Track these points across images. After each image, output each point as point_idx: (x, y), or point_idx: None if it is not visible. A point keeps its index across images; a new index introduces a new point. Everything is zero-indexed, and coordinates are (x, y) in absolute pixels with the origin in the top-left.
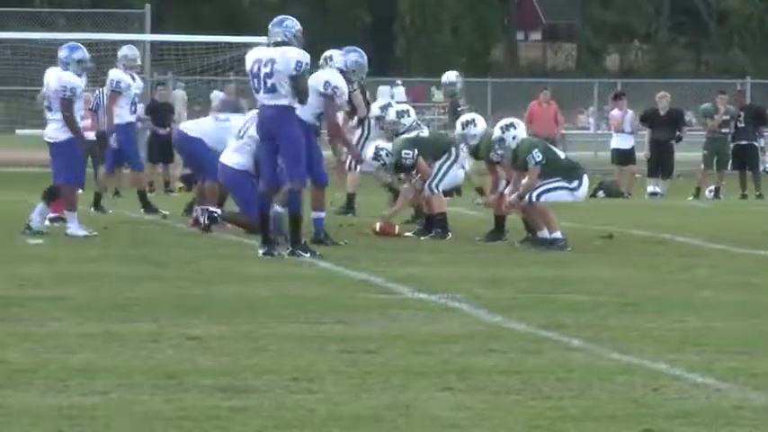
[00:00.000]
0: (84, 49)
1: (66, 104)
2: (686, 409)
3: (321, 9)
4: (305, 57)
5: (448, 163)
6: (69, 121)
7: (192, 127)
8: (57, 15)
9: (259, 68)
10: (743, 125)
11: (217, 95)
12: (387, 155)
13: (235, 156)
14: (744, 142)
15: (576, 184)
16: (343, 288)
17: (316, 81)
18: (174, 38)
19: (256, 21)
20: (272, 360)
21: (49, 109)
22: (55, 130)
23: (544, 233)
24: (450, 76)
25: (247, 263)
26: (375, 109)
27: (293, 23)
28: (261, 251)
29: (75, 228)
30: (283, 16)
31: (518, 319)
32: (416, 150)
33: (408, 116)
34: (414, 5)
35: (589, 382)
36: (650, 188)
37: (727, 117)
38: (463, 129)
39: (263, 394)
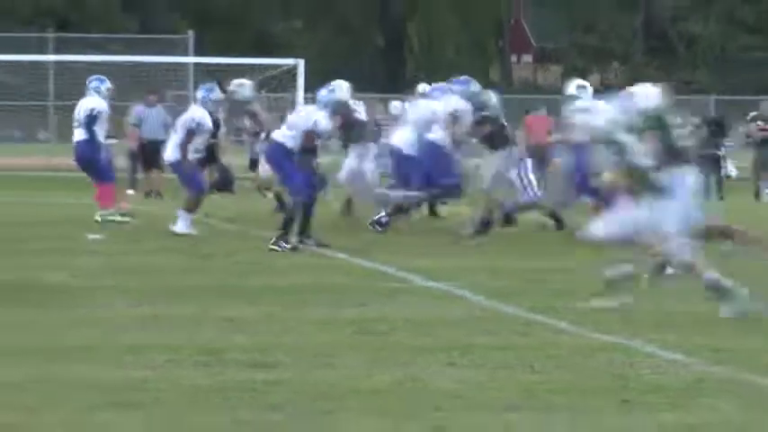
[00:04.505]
0: (218, 90)
1: (189, 134)
2: (659, 382)
3: (342, 33)
4: (323, 119)
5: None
6: (182, 147)
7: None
8: (111, 40)
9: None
10: (705, 136)
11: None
12: None
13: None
14: (707, 151)
15: None
16: (360, 277)
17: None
18: (214, 60)
19: (286, 44)
20: (297, 339)
21: (175, 132)
22: (170, 151)
23: None
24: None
25: (278, 256)
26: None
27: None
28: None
29: (181, 226)
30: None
31: (513, 303)
32: None
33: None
34: (420, 31)
35: (574, 358)
36: None
37: (691, 128)
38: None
39: (291, 369)
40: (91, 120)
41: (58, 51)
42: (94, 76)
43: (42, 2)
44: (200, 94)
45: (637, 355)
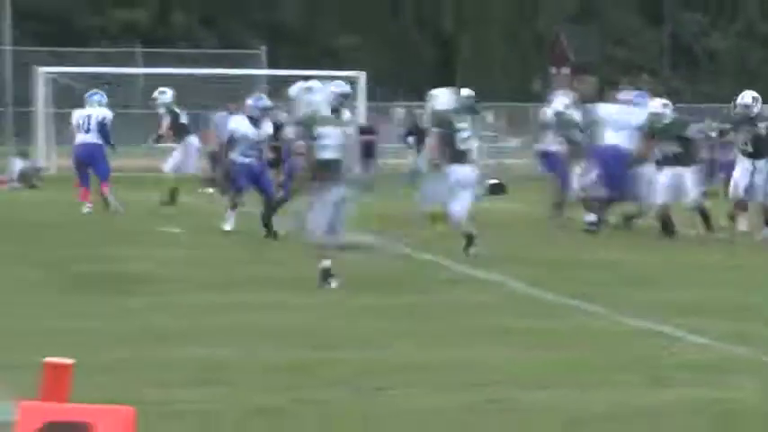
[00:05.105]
0: (265, 98)
1: (229, 142)
2: (686, 363)
3: (398, 49)
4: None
5: None
6: (222, 150)
7: None
8: (193, 55)
9: None
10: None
11: None
12: None
13: None
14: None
15: None
16: (413, 267)
17: None
18: (284, 72)
19: (349, 58)
20: (355, 323)
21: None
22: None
23: None
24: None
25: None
26: None
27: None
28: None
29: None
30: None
31: (549, 290)
32: None
33: None
34: (469, 45)
35: (608, 340)
36: None
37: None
38: None
39: (349, 349)
40: (103, 127)
41: (145, 65)
42: (94, 91)
43: (131, 20)
44: (248, 101)
45: (666, 339)
